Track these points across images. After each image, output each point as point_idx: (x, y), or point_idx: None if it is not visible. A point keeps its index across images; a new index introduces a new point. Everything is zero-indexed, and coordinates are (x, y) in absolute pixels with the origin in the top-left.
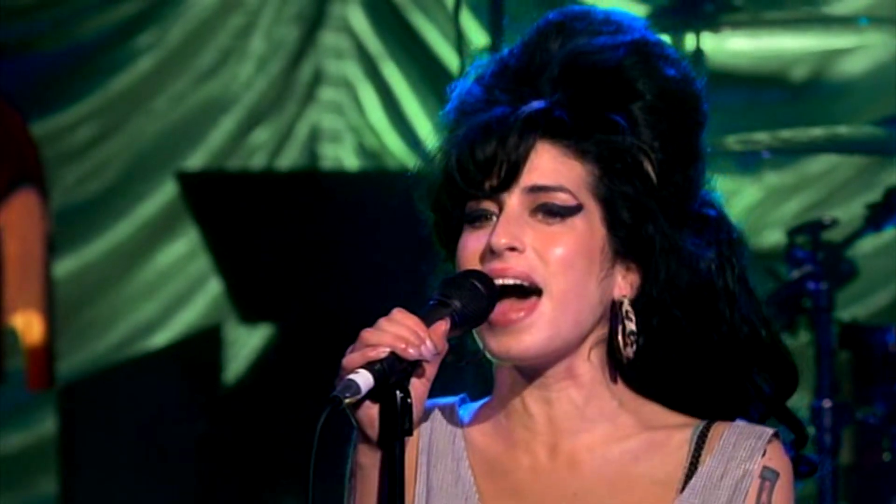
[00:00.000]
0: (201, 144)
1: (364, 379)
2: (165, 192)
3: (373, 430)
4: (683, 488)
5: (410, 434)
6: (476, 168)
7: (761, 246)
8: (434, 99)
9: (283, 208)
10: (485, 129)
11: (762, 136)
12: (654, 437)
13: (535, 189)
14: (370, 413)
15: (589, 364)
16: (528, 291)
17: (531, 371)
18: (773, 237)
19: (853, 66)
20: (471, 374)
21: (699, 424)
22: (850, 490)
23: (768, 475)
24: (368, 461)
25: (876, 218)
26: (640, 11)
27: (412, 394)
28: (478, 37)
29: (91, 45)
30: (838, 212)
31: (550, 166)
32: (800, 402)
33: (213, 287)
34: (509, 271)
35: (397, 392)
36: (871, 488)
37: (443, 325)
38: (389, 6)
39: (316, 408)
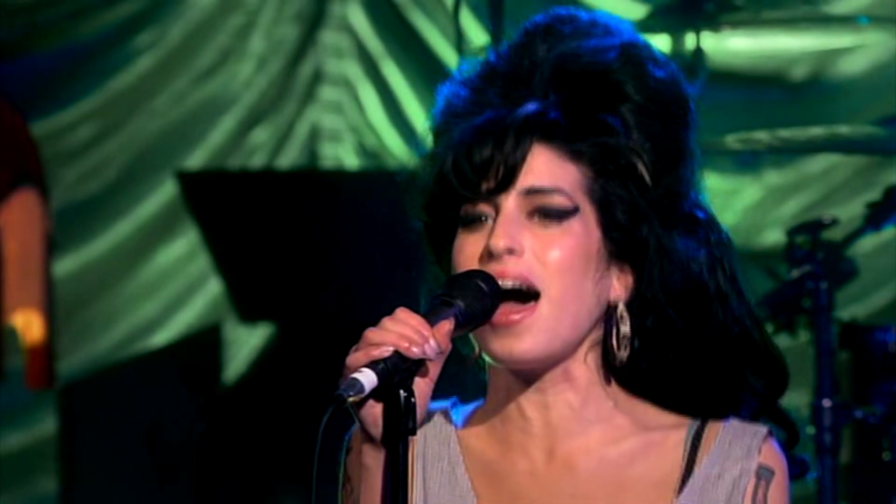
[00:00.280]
0: (201, 144)
1: (368, 378)
2: (165, 192)
3: (376, 430)
4: (681, 489)
5: (414, 433)
6: (472, 171)
7: (761, 245)
8: (434, 98)
9: (282, 208)
10: (481, 132)
11: (762, 136)
12: (650, 438)
13: (532, 191)
14: (374, 412)
15: (585, 366)
16: (526, 295)
17: (528, 374)
18: (772, 236)
19: (853, 66)
20: (470, 377)
21: (694, 424)
22: (849, 489)
23: (764, 473)
24: (372, 461)
25: (876, 217)
26: (640, 11)
27: (416, 393)
28: (478, 36)
29: (91, 44)
30: (838, 211)
31: (546, 168)
32: (800, 401)
33: (213, 287)
34: (508, 274)
35: (401, 391)
36: (871, 488)
37: (447, 325)
38: (389, 5)
39: (317, 407)
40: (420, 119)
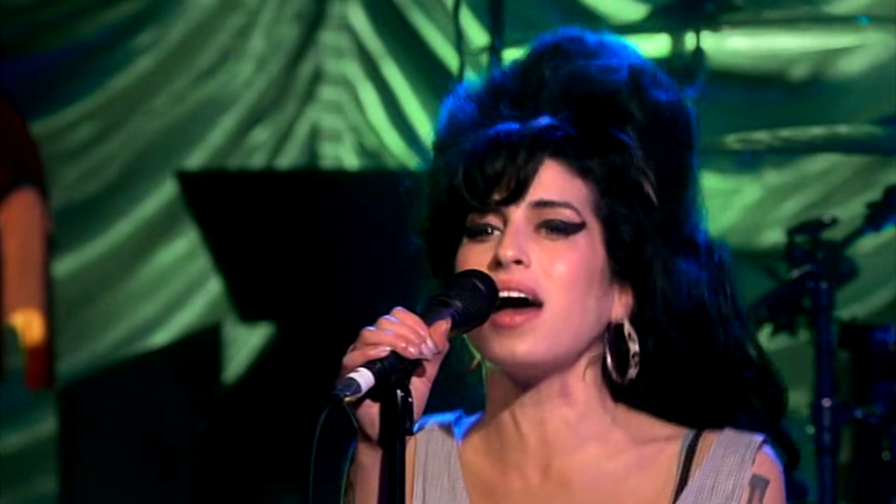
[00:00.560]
0: (201, 144)
1: (364, 378)
2: (165, 192)
3: (373, 429)
4: (676, 499)
5: (411, 433)
6: (484, 181)
7: (761, 245)
8: (434, 98)
9: (282, 208)
10: (494, 143)
11: (762, 136)
12: (644, 452)
13: (542, 204)
14: (371, 412)
15: (583, 383)
16: (530, 304)
17: (525, 385)
18: (772, 236)
19: (853, 66)
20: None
21: (688, 435)
22: (849, 489)
23: (758, 483)
24: (369, 461)
25: (876, 217)
26: (640, 11)
27: (413, 393)
28: (478, 36)
29: (91, 44)
30: (838, 211)
31: (556, 183)
32: (800, 401)
33: (213, 286)
34: (514, 283)
35: (398, 391)
36: (871, 487)
37: (444, 325)
38: (389, 5)
39: (316, 407)
40: (420, 119)
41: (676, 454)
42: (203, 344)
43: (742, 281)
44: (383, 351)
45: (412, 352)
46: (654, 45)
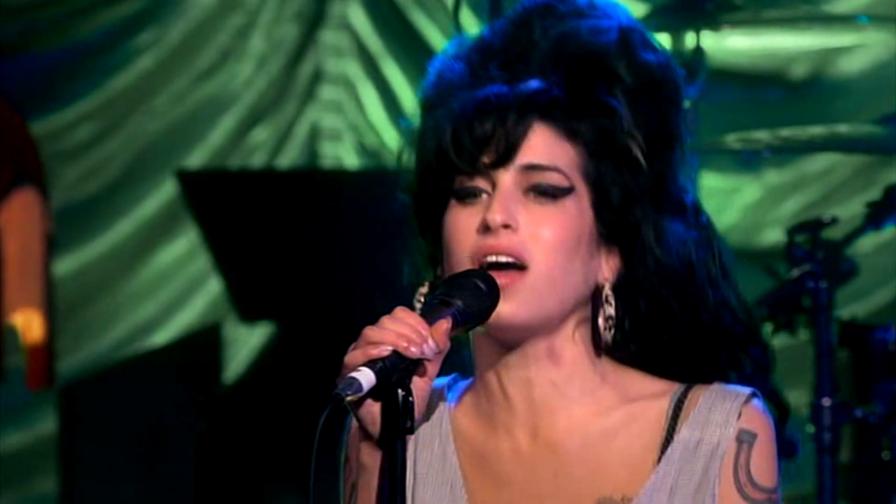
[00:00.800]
0: (201, 143)
1: (366, 377)
2: (165, 192)
3: (375, 428)
4: (660, 460)
5: (412, 433)
6: (473, 144)
7: (761, 244)
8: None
9: (283, 207)
10: (483, 105)
11: (762, 135)
12: (632, 410)
13: (530, 168)
14: (372, 411)
15: (572, 343)
16: (516, 268)
17: (511, 347)
18: (772, 236)
19: (853, 65)
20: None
21: (677, 391)
22: (849, 489)
23: (745, 437)
24: (370, 460)
25: (876, 216)
26: (639, 10)
27: (414, 392)
28: None
29: (91, 44)
30: (838, 210)
31: (545, 146)
32: (799, 400)
33: (213, 286)
34: (501, 248)
35: (399, 390)
36: (871, 487)
37: (445, 324)
38: (389, 5)
39: (317, 406)
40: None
41: (664, 410)
42: (203, 344)
43: (742, 281)
44: (385, 350)
45: (414, 351)
46: None
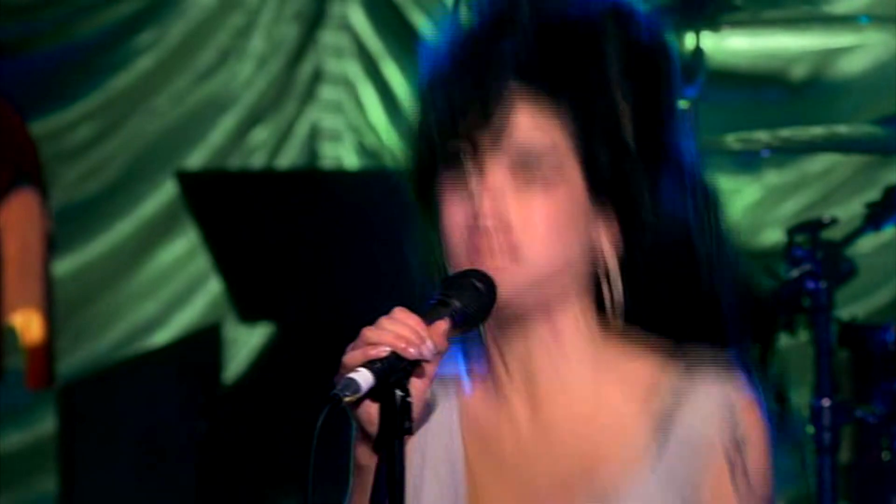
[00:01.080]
0: (201, 143)
1: (364, 377)
2: (165, 192)
3: (372, 429)
4: (654, 451)
5: (410, 433)
6: (457, 130)
7: (761, 245)
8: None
9: (283, 207)
10: (461, 71)
11: (762, 135)
12: (631, 393)
13: (517, 152)
14: (370, 412)
15: (573, 319)
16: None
17: (513, 323)
18: (772, 236)
19: (853, 65)
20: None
21: (675, 373)
22: (849, 489)
23: (742, 440)
24: (367, 460)
25: (875, 217)
26: None
27: (412, 393)
28: None
29: (91, 44)
30: (838, 210)
31: (532, 132)
32: (799, 400)
33: (213, 286)
34: (495, 249)
35: (397, 391)
36: (871, 487)
37: (443, 325)
38: (389, 5)
39: (316, 407)
40: None
41: (662, 395)
42: (203, 344)
43: None
44: (383, 351)
45: (412, 352)
46: None
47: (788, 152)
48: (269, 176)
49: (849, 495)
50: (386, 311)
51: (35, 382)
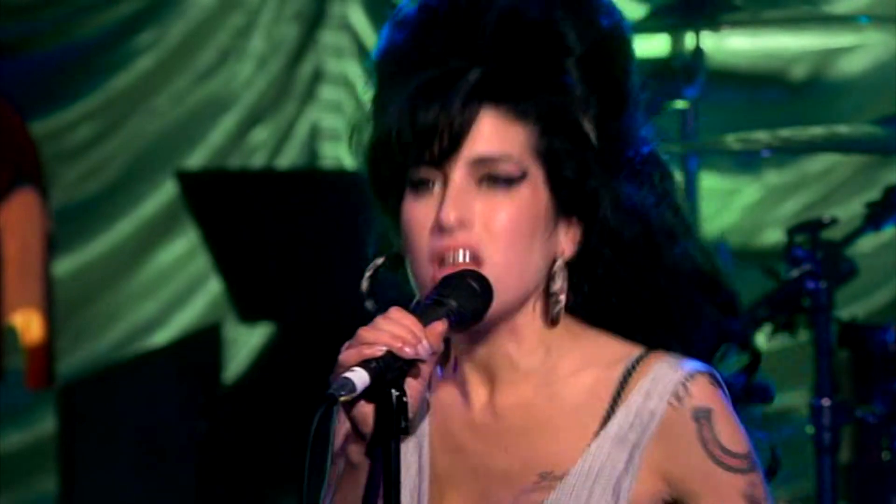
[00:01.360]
0: (201, 143)
1: (360, 377)
2: (165, 192)
3: (367, 429)
4: (597, 435)
5: (406, 433)
6: (416, 137)
7: (761, 245)
8: None
9: (283, 207)
10: (425, 96)
11: (762, 135)
12: (585, 381)
13: (480, 160)
14: (364, 412)
15: (532, 317)
16: (473, 261)
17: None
18: (772, 236)
19: (853, 65)
20: None
21: (632, 358)
22: (849, 489)
23: (701, 414)
24: (360, 458)
25: (875, 217)
26: (639, 11)
27: (408, 392)
28: None
29: (91, 44)
30: (838, 210)
31: (493, 135)
32: (799, 400)
33: (213, 286)
34: (456, 246)
35: (393, 391)
36: (871, 487)
37: (440, 326)
38: (389, 5)
39: (314, 406)
40: None
41: (615, 380)
42: (203, 344)
43: (742, 281)
44: (379, 350)
45: (408, 352)
46: (654, 45)
47: (788, 152)
48: (269, 176)
49: (849, 495)
50: (383, 311)
51: (35, 382)
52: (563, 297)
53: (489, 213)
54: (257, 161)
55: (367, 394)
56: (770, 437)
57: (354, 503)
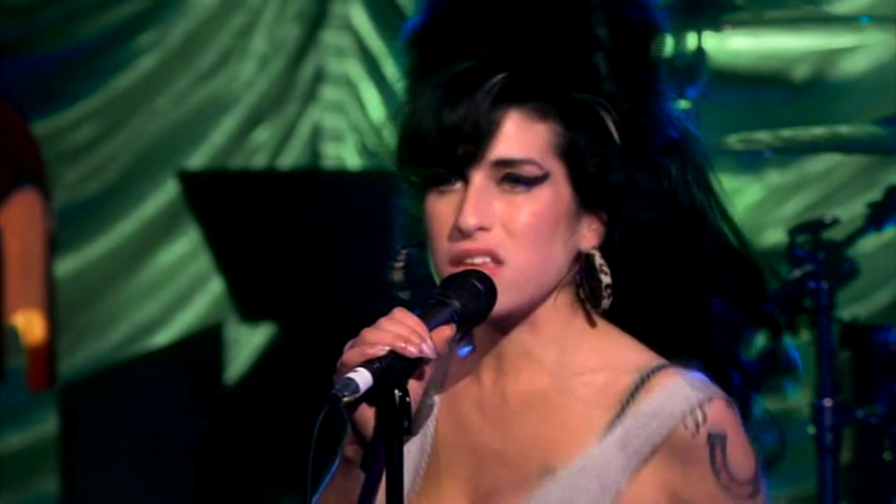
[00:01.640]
0: (203, 144)
1: (363, 378)
2: (167, 192)
3: (367, 431)
4: (605, 434)
5: (408, 433)
6: (441, 137)
7: (762, 245)
8: None
9: (284, 208)
10: (453, 93)
11: (763, 136)
12: (598, 380)
13: (503, 163)
14: (365, 414)
15: (553, 310)
16: (493, 262)
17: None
18: (773, 236)
19: (854, 66)
20: None
21: (650, 367)
22: (850, 489)
23: (716, 439)
24: (355, 455)
25: (877, 217)
26: None
27: (410, 394)
28: None
29: (92, 44)
30: (839, 211)
31: (516, 136)
32: (800, 401)
33: (215, 286)
34: (476, 250)
35: (395, 391)
36: (872, 488)
37: (447, 331)
38: (391, 4)
39: (317, 407)
40: None
41: (629, 385)
42: (205, 344)
43: None
44: (381, 350)
45: (412, 351)
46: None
47: (790, 152)
48: (270, 176)
49: (850, 496)
50: (386, 311)
51: (36, 383)
52: (592, 292)
53: (509, 213)
54: (259, 161)
55: (370, 395)
56: (779, 437)
57: (344, 496)
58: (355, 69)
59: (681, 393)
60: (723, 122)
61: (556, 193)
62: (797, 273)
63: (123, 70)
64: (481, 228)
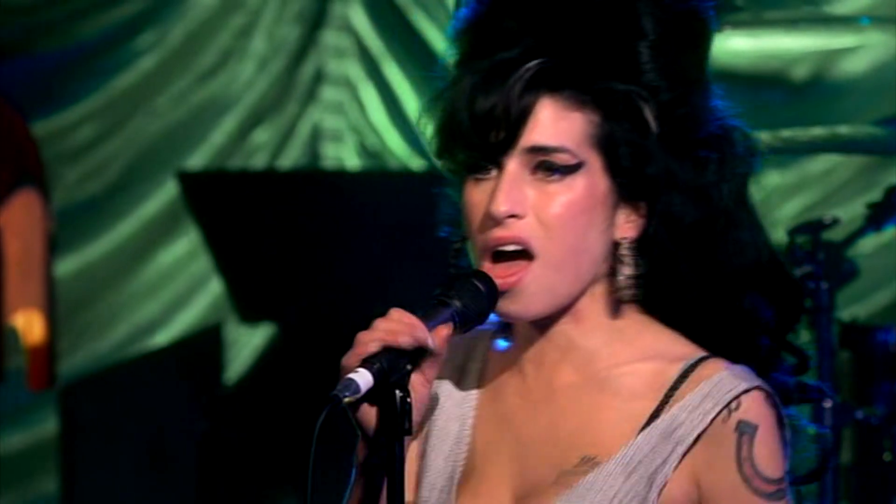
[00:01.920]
0: (202, 144)
1: (363, 378)
2: (166, 192)
3: (370, 430)
4: (642, 429)
5: (410, 434)
6: (475, 124)
7: None
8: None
9: (284, 208)
10: (487, 81)
11: (763, 136)
12: (641, 370)
13: (536, 150)
14: (369, 412)
15: (592, 298)
16: (522, 255)
17: None
18: (773, 237)
19: (854, 66)
20: None
21: (694, 358)
22: (850, 490)
23: (746, 428)
24: (359, 454)
25: (876, 217)
26: None
27: (412, 394)
28: None
29: (92, 44)
30: (839, 211)
31: (551, 123)
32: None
33: (215, 287)
34: (508, 238)
35: (397, 391)
36: (872, 488)
37: (444, 330)
38: (391, 5)
39: (317, 407)
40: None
41: (673, 376)
42: (205, 344)
43: None
44: (374, 346)
45: (405, 340)
46: None
47: (789, 153)
48: (270, 176)
49: (850, 496)
50: (384, 312)
51: (36, 383)
52: (629, 282)
53: (543, 202)
54: (258, 162)
55: (371, 395)
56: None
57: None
58: (355, 70)
59: (724, 383)
60: None
61: (591, 183)
62: (797, 273)
63: (123, 70)
64: (514, 216)
